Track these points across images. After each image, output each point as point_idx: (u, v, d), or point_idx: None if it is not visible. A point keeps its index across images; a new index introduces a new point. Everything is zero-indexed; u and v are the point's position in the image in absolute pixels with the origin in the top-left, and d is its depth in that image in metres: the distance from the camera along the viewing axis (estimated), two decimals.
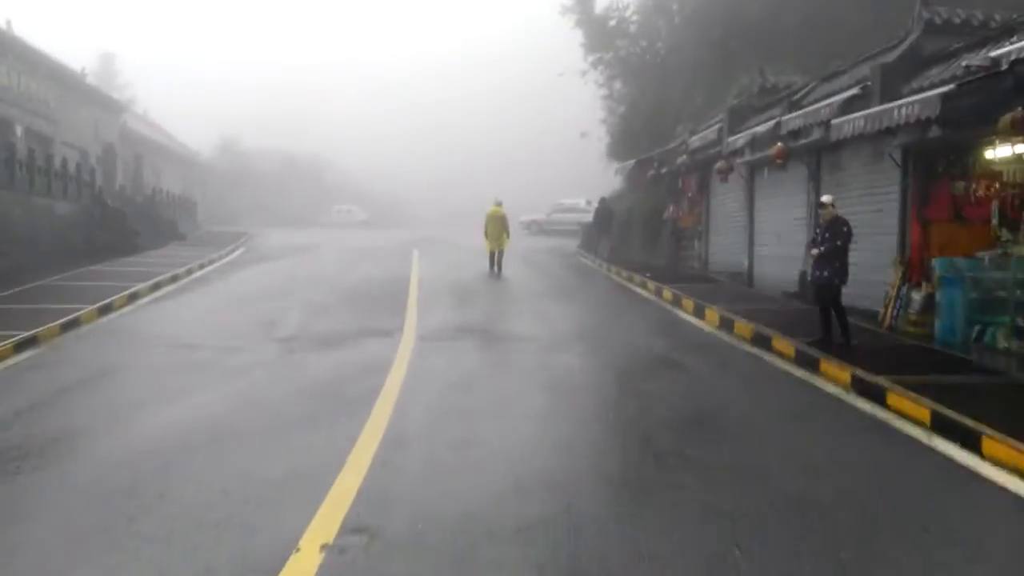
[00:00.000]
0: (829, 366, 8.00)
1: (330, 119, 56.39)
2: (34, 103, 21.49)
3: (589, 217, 26.28)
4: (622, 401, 7.10)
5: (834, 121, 10.28)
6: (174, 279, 15.72)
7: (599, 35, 29.65)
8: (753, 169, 15.36)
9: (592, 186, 28.80)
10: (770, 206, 14.83)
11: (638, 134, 26.01)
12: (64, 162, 19.52)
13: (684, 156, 18.86)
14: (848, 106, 10.67)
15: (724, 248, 17.41)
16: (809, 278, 9.69)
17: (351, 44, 65.38)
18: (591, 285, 17.25)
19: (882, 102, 10.03)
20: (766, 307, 12.34)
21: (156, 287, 14.49)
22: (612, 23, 29.66)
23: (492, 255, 18.11)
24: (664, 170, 21.10)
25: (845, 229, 9.11)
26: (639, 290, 15.83)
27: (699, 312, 12.20)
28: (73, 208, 19.04)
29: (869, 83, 10.80)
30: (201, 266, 18.22)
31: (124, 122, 31.37)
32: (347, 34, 67.32)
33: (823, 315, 9.19)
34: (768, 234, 14.92)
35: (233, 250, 22.98)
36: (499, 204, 18.76)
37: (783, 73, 16.94)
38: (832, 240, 9.06)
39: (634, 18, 29.74)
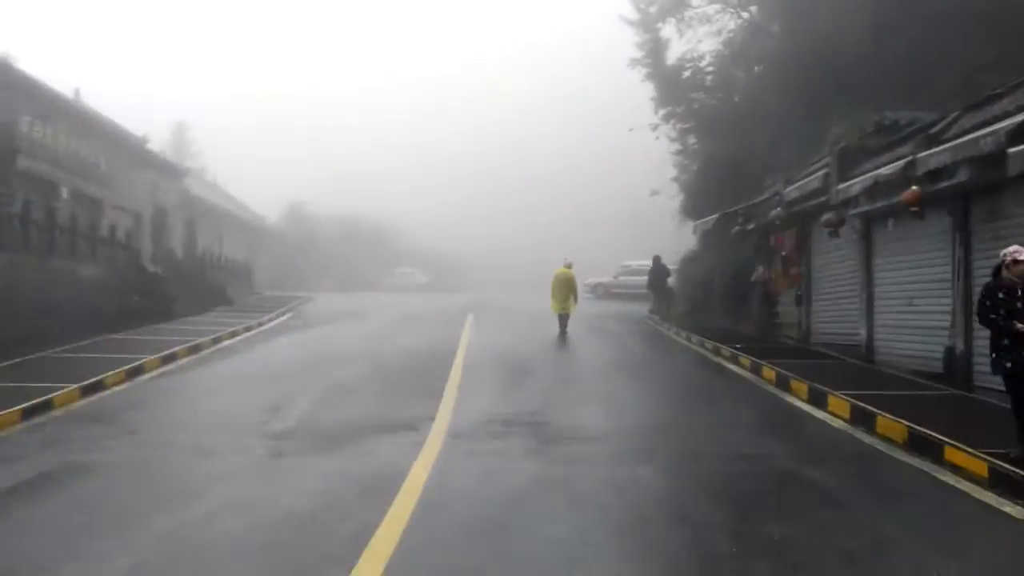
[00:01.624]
0: None
1: (398, 186, 56.18)
2: (84, 166, 20.87)
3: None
4: (747, 565, 4.47)
5: (1011, 151, 7.63)
6: (195, 350, 13.94)
7: (671, 87, 27.68)
8: (871, 221, 12.59)
9: (664, 247, 26.37)
10: (897, 264, 11.98)
11: (715, 189, 23.51)
12: (94, 223, 18.49)
13: (778, 209, 16.20)
14: (1022, 132, 8.00)
15: (832, 316, 14.48)
16: (1009, 364, 6.60)
17: (418, 118, 65.60)
18: (669, 358, 14.60)
19: None
20: (907, 393, 9.48)
21: (169, 359, 12.69)
22: (686, 75, 27.70)
23: (561, 318, 17.00)
24: (751, 226, 18.40)
25: None
26: (730, 366, 13.08)
27: (818, 400, 9.41)
28: (103, 271, 17.79)
29: None
30: (233, 334, 16.50)
31: (186, 187, 31.07)
32: (414, 108, 67.68)
33: None
34: (895, 299, 12.01)
35: (277, 316, 21.37)
36: (568, 265, 17.86)
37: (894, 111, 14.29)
38: None
39: (709, 69, 27.73)
